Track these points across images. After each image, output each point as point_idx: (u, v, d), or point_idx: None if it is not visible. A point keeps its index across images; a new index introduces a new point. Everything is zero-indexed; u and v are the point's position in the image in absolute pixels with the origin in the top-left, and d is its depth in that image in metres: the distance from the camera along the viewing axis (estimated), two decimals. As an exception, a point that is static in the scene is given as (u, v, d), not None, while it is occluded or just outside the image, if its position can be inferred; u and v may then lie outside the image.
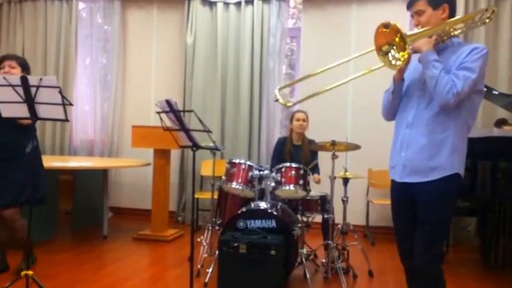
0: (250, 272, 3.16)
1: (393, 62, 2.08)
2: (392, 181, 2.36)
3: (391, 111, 2.40)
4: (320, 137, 4.25)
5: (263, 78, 5.66)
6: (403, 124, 2.29)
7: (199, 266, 3.80)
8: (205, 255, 3.92)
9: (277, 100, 2.49)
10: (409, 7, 2.27)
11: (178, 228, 5.28)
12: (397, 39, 2.03)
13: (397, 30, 2.03)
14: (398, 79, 2.28)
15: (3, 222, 3.53)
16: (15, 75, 3.12)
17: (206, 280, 3.53)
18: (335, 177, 3.76)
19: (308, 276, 3.52)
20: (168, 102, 2.96)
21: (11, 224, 3.47)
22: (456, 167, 2.18)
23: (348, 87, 5.41)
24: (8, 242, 3.65)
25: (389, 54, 2.09)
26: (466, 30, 2.29)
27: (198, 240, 4.06)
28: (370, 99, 4.50)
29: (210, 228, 4.01)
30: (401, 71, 2.24)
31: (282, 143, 4.43)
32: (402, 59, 2.05)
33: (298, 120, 4.31)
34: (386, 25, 2.05)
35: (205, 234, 4.02)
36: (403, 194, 2.30)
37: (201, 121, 2.99)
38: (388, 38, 2.07)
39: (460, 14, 2.40)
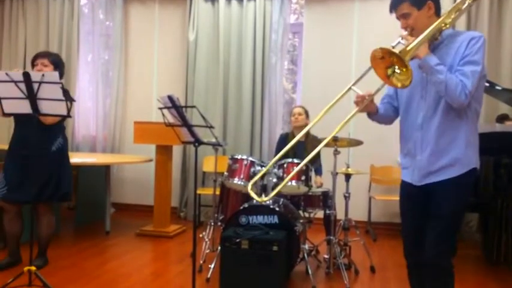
0: (253, 268, 3.17)
1: (403, 80, 1.98)
2: (403, 181, 2.33)
3: (386, 122, 2.45)
4: (322, 133, 4.24)
5: (265, 74, 5.65)
6: (413, 126, 2.25)
7: (201, 262, 3.81)
8: (208, 251, 3.93)
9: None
10: (391, 10, 2.20)
11: (180, 224, 5.28)
12: (395, 59, 1.95)
13: (390, 53, 1.94)
14: (373, 114, 2.35)
15: (19, 216, 3.65)
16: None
17: (208, 276, 3.53)
18: (337, 173, 3.76)
19: (310, 271, 3.52)
20: (170, 98, 2.96)
21: (40, 218, 3.62)
22: (472, 161, 2.16)
23: (350, 83, 5.38)
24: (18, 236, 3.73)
25: (395, 74, 2.00)
26: (455, 20, 2.23)
27: (200, 236, 4.07)
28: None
29: (212, 224, 4.02)
30: (369, 107, 2.32)
31: (284, 138, 4.45)
32: (406, 72, 1.96)
33: (293, 115, 4.36)
34: (378, 51, 1.97)
35: (208, 230, 4.03)
36: (415, 194, 2.27)
37: (203, 117, 2.99)
38: (386, 64, 1.99)
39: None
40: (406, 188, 2.33)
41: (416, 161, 2.23)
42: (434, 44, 2.17)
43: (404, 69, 1.95)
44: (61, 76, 3.39)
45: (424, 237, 2.24)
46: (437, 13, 2.18)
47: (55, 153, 3.56)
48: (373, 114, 2.37)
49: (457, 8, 2.21)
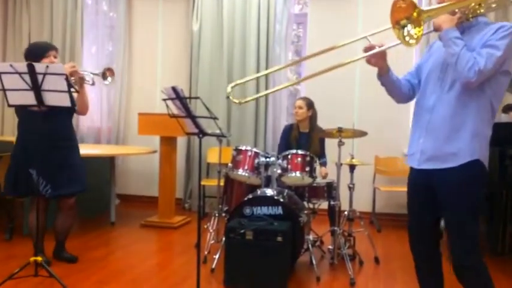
0: (257, 259, 3.18)
1: (407, 38, 1.98)
2: (411, 168, 2.30)
3: (397, 95, 2.39)
4: (327, 124, 4.24)
5: (269, 65, 5.61)
6: (423, 109, 2.22)
7: (206, 253, 3.82)
8: (212, 241, 3.95)
9: (228, 97, 2.34)
10: None
11: (185, 215, 5.30)
12: (414, 14, 1.93)
13: (414, 6, 1.93)
14: (382, 73, 2.28)
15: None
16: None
17: (213, 266, 3.55)
18: (341, 164, 3.75)
19: (314, 262, 3.54)
20: (174, 89, 2.95)
21: (73, 212, 3.67)
22: (477, 152, 2.09)
23: (354, 73, 5.37)
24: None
25: (405, 29, 1.98)
26: (496, 8, 2.17)
27: (205, 227, 4.08)
28: (377, 86, 4.45)
29: (217, 215, 4.03)
30: (380, 62, 2.25)
31: (288, 129, 4.44)
32: (416, 36, 1.95)
33: (295, 108, 4.35)
34: (404, 0, 1.96)
35: (212, 221, 4.04)
36: (420, 181, 2.24)
37: (207, 108, 2.98)
38: (406, 13, 1.95)
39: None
40: (412, 176, 2.31)
41: (419, 144, 2.21)
42: (463, 26, 2.12)
43: (416, 31, 1.95)
44: None
45: (428, 233, 2.23)
46: None
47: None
48: (383, 73, 2.30)
49: None
